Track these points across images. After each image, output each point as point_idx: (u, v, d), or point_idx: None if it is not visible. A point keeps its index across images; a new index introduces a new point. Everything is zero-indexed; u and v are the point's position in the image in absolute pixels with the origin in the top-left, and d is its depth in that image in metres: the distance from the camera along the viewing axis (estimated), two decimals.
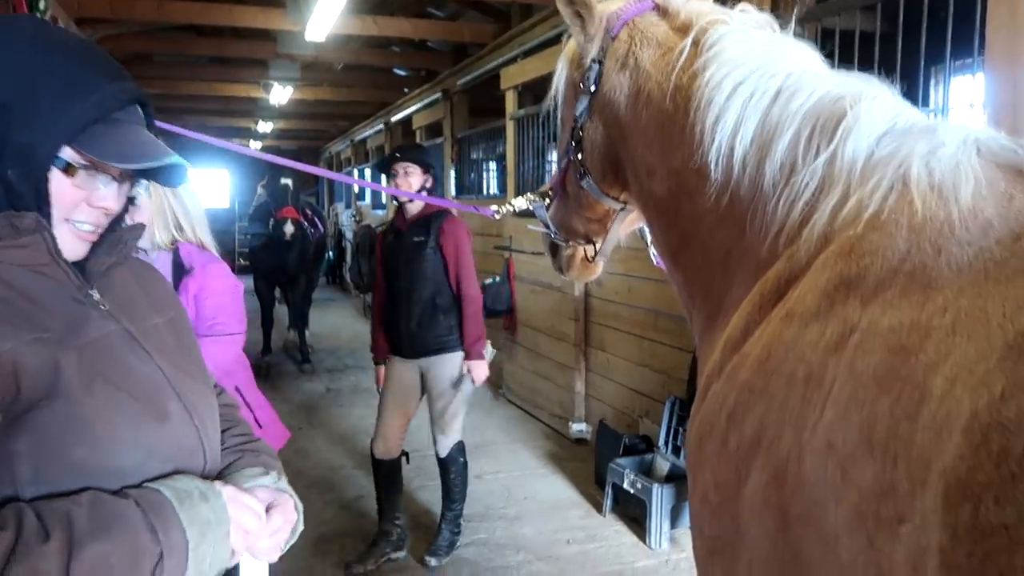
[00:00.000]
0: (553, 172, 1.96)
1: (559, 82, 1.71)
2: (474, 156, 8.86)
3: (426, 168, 4.00)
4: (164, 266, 2.62)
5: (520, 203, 2.00)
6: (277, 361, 8.75)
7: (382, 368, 4.15)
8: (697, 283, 1.45)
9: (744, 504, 1.07)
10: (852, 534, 0.85)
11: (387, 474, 4.16)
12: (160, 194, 2.65)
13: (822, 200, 1.11)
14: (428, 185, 4.04)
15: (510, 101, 6.91)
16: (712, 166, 1.28)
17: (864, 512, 0.83)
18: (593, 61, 1.54)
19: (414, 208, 4.02)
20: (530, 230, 2.14)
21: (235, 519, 1.10)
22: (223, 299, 2.74)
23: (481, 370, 3.99)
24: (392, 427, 4.12)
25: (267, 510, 1.19)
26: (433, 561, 3.98)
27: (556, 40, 5.85)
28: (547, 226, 1.91)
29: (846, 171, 1.09)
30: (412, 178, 3.96)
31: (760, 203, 1.22)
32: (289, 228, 7.57)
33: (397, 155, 4.04)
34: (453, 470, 4.14)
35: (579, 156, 1.64)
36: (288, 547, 1.27)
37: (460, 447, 4.16)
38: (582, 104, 1.58)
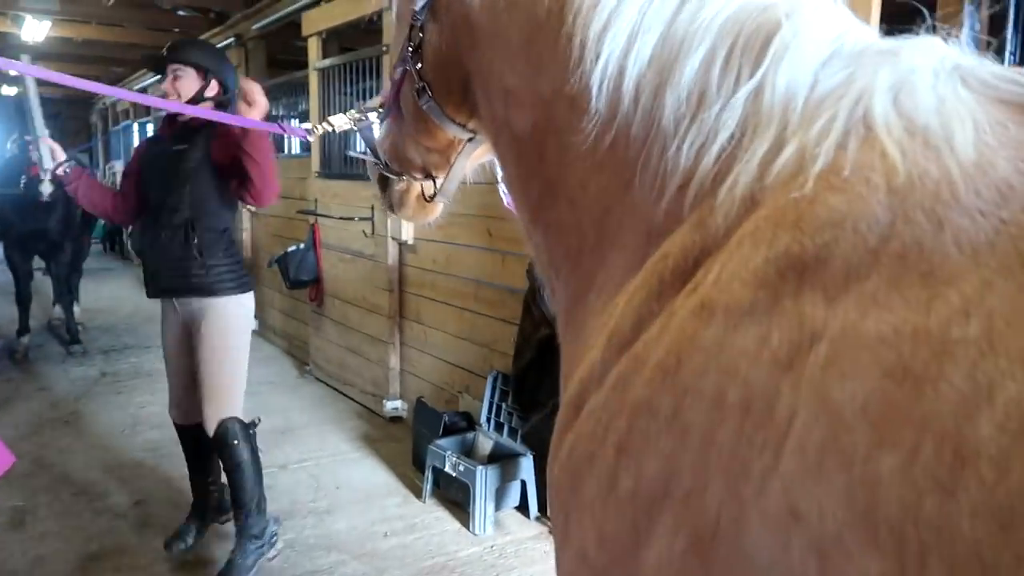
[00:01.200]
0: (385, 84, 1.54)
1: None
2: (274, 112, 8.05)
3: (204, 72, 3.29)
4: None
5: (340, 122, 1.61)
6: (40, 342, 7.53)
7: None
8: (561, 248, 1.10)
9: (646, 573, 0.76)
10: None
11: (191, 440, 3.55)
12: None
13: (744, 146, 0.80)
14: (212, 95, 3.32)
15: (313, 49, 6.26)
16: (593, 92, 0.94)
17: None
18: None
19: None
20: (351, 156, 1.75)
21: None
22: None
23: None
24: (177, 387, 3.48)
25: None
26: None
27: None
28: (375, 153, 1.50)
29: (780, 107, 0.79)
30: (183, 83, 3.26)
31: (655, 146, 0.89)
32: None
33: (164, 53, 3.32)
34: (228, 457, 3.24)
35: (418, 66, 1.25)
36: None
37: (239, 426, 3.30)
38: None
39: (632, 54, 0.91)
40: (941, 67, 0.74)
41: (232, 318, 3.29)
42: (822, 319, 0.65)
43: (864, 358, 0.60)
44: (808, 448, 0.61)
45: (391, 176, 1.50)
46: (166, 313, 3.43)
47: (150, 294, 3.40)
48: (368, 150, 1.52)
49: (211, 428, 3.25)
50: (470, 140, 1.35)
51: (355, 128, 1.55)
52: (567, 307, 1.09)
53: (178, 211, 3.18)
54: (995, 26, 2.32)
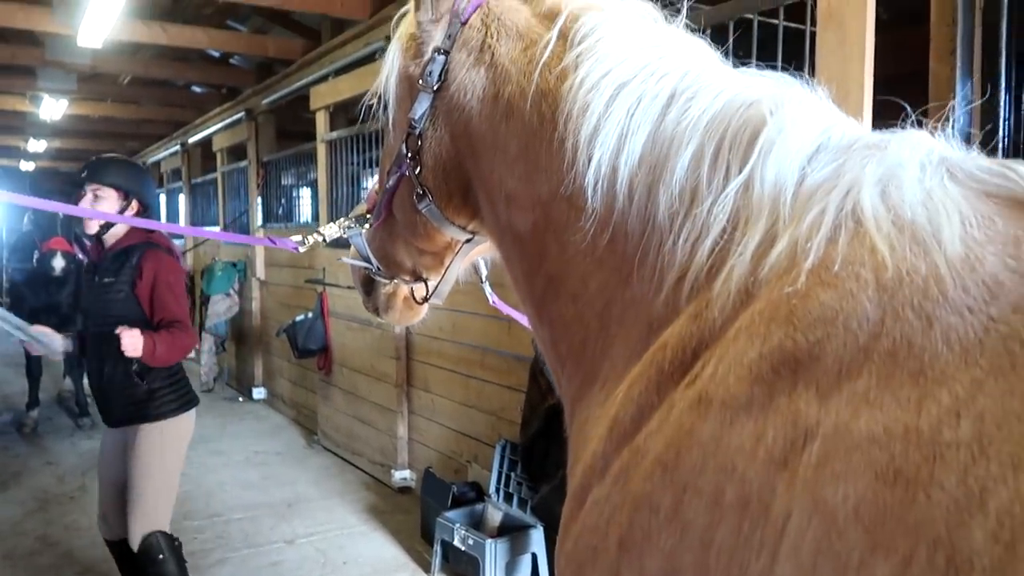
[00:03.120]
0: (371, 189, 1.56)
1: (389, 74, 1.33)
2: (285, 182, 8.20)
3: (124, 193, 3.20)
4: None
5: (332, 231, 1.60)
6: (49, 415, 7.52)
7: None
8: (566, 342, 1.11)
9: None
10: None
11: (120, 557, 3.40)
12: None
13: (737, 239, 0.81)
14: (132, 214, 3.20)
15: (321, 122, 6.40)
16: (588, 193, 0.97)
17: None
18: (437, 51, 1.18)
19: (114, 234, 3.21)
20: (340, 263, 1.75)
21: None
22: None
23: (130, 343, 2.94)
24: (105, 501, 3.36)
25: None
26: None
27: (370, 58, 5.47)
28: (368, 260, 1.51)
29: (769, 201, 0.81)
30: (102, 204, 3.15)
31: (652, 242, 0.92)
32: (59, 262, 6.47)
33: (83, 174, 3.20)
34: (155, 572, 3.11)
35: (417, 172, 1.27)
36: None
37: (164, 540, 3.16)
38: (422, 105, 1.22)
39: (623, 154, 0.94)
40: (928, 160, 0.75)
41: (171, 438, 3.22)
42: (815, 417, 0.64)
43: (856, 459, 0.60)
44: (803, 551, 0.61)
45: (379, 279, 1.51)
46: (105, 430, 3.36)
47: (108, 424, 3.30)
48: (361, 256, 1.51)
49: (135, 543, 3.15)
50: (467, 241, 1.36)
51: (345, 235, 1.55)
52: (573, 399, 1.10)
53: (113, 342, 2.98)
54: (986, 117, 2.35)
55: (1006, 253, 0.64)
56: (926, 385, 0.60)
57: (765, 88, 0.90)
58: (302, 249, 1.64)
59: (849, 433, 0.61)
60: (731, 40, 2.76)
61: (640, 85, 0.95)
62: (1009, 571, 0.50)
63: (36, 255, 6.65)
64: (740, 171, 0.84)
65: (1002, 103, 2.32)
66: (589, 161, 0.96)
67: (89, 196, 3.17)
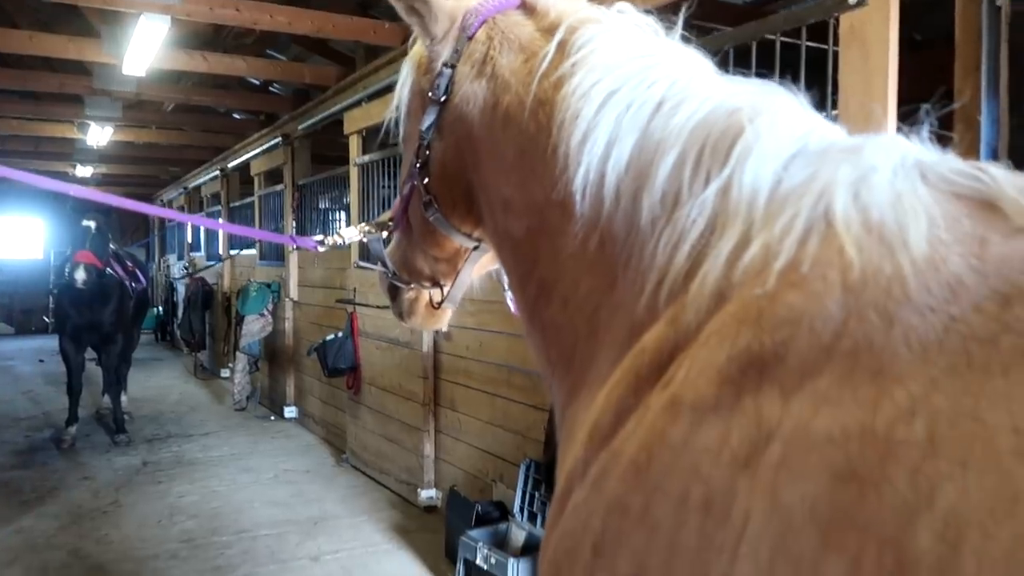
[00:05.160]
0: (395, 200, 1.62)
1: (403, 90, 1.39)
2: (320, 205, 8.36)
3: None
4: None
5: (351, 234, 1.64)
6: (87, 431, 7.70)
7: None
8: (557, 346, 1.13)
9: None
10: None
11: None
12: None
13: (714, 243, 0.82)
14: None
15: (354, 146, 6.54)
16: (577, 197, 1.00)
17: None
18: (445, 65, 1.24)
19: None
20: (361, 267, 1.79)
21: None
22: None
23: None
24: None
25: None
26: None
27: None
28: (384, 264, 1.56)
29: (745, 205, 0.82)
30: None
31: (636, 245, 0.93)
32: (80, 274, 6.58)
33: None
34: None
35: (425, 181, 1.32)
36: None
37: None
38: (430, 117, 1.27)
39: (611, 160, 0.96)
40: (901, 164, 0.76)
41: None
42: (777, 417, 0.65)
43: (813, 459, 0.60)
44: (760, 552, 0.61)
45: (400, 285, 1.56)
46: None
47: None
48: (379, 262, 1.57)
49: None
50: (475, 248, 1.40)
51: (365, 240, 1.60)
52: (563, 404, 1.11)
53: None
54: (1014, 134, 2.33)
55: (971, 253, 0.64)
56: (884, 384, 0.60)
57: (749, 96, 0.92)
58: (321, 249, 1.69)
59: (808, 433, 0.62)
60: (753, 62, 2.78)
61: (630, 92, 0.97)
62: (953, 570, 0.50)
63: (67, 269, 6.82)
64: (719, 175, 0.85)
65: None
66: (579, 166, 0.99)
67: None
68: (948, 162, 0.76)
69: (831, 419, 0.61)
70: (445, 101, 1.24)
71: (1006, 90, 2.49)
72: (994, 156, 2.46)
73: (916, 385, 0.58)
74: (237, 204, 11.00)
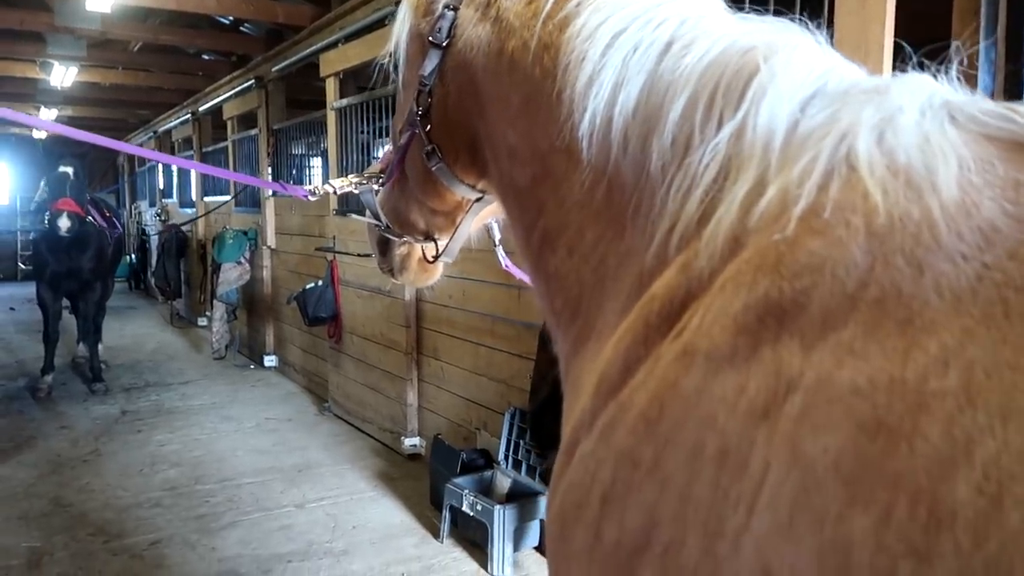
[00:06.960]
0: (386, 150, 1.56)
1: (400, 33, 1.33)
2: (295, 151, 8.17)
3: None
4: None
5: (341, 184, 1.60)
6: (63, 380, 7.60)
7: None
8: (562, 296, 1.09)
9: None
10: None
11: None
12: None
13: (728, 188, 0.78)
14: None
15: (331, 90, 6.35)
16: (584, 143, 0.95)
17: None
18: (446, 7, 1.18)
19: None
20: (354, 220, 1.75)
21: None
22: None
23: None
24: None
25: None
26: None
27: (380, 23, 5.40)
28: (377, 217, 1.51)
29: (760, 148, 0.77)
30: None
31: (645, 192, 0.89)
32: (64, 222, 6.46)
33: None
34: None
35: (427, 129, 1.26)
36: None
37: None
38: (432, 62, 1.21)
39: (618, 104, 0.92)
40: (929, 104, 0.72)
41: None
42: (798, 368, 0.62)
43: (837, 410, 0.58)
44: (780, 505, 0.59)
45: (392, 239, 1.51)
46: None
47: None
48: (371, 214, 1.52)
49: None
50: (478, 200, 1.36)
51: (356, 191, 1.55)
52: (568, 355, 1.08)
53: None
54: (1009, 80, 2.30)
55: (1005, 198, 0.61)
56: (914, 334, 0.57)
57: (763, 34, 0.87)
58: (312, 198, 1.64)
59: (832, 384, 0.59)
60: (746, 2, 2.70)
61: (637, 33, 0.92)
62: (994, 524, 0.48)
63: (46, 216, 6.67)
64: (732, 117, 0.81)
65: None
66: (584, 110, 0.95)
67: None
68: (978, 103, 0.72)
69: (856, 370, 0.58)
70: (447, 46, 1.19)
71: (1004, 36, 2.45)
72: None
73: (949, 335, 0.56)
74: (210, 149, 10.73)
